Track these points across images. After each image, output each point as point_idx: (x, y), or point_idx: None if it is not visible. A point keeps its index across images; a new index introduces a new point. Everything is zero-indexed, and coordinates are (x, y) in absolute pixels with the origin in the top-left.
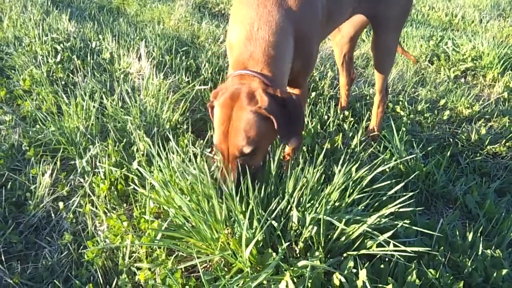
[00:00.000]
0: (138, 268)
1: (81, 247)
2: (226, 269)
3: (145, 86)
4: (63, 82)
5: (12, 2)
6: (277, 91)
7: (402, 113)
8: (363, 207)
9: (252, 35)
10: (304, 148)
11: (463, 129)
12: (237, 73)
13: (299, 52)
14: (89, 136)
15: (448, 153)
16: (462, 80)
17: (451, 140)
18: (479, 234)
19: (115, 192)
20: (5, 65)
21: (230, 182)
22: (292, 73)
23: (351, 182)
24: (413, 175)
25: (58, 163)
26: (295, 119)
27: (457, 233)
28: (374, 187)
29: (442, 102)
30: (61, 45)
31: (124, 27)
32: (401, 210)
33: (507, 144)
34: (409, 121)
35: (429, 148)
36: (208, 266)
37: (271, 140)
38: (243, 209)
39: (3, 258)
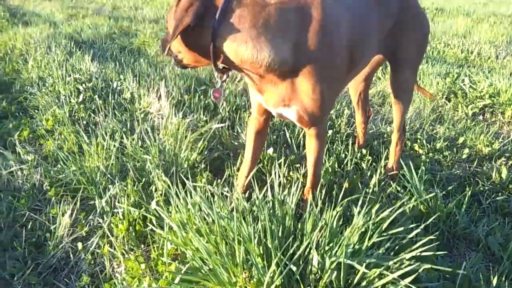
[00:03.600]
0: None
1: None
2: None
3: (164, 125)
4: (84, 122)
5: (37, 44)
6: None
7: (420, 151)
8: (383, 251)
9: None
10: (323, 189)
11: (484, 167)
12: None
13: (300, 77)
14: (109, 175)
15: (469, 192)
16: (481, 117)
17: (471, 179)
18: (504, 278)
19: (133, 233)
20: (29, 105)
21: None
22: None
23: (371, 225)
24: (434, 217)
25: (78, 203)
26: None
27: (481, 276)
28: (395, 231)
29: (461, 140)
30: (84, 85)
31: (145, 67)
32: (423, 253)
33: None
34: (428, 160)
35: (449, 188)
36: None
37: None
38: (261, 252)
39: None
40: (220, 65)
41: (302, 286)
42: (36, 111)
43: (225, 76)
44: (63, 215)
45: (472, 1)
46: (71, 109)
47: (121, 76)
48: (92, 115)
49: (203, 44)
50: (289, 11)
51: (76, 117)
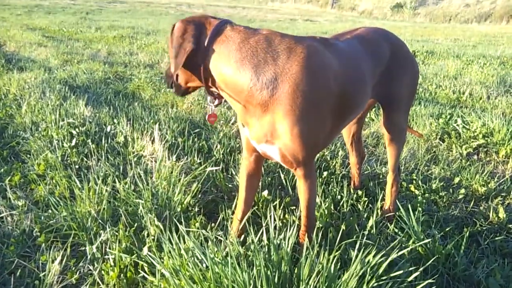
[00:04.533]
0: None
1: None
2: None
3: (157, 168)
4: (77, 166)
5: (31, 89)
6: (190, 25)
7: (416, 192)
8: None
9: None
10: (320, 231)
11: (481, 207)
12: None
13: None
14: (100, 220)
15: (467, 233)
16: (475, 157)
17: (469, 219)
18: None
19: (125, 280)
20: (21, 150)
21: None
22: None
23: (368, 269)
24: (433, 259)
25: (68, 249)
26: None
27: None
28: (393, 274)
29: (457, 180)
30: (77, 129)
31: (139, 111)
32: None
33: None
34: (424, 201)
35: (446, 229)
36: None
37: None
38: None
39: None
40: (213, 89)
41: None
42: (28, 155)
43: (217, 101)
44: (52, 262)
45: (461, 44)
46: (64, 154)
47: (115, 120)
48: (85, 159)
49: (195, 64)
50: (277, 44)
51: (69, 161)
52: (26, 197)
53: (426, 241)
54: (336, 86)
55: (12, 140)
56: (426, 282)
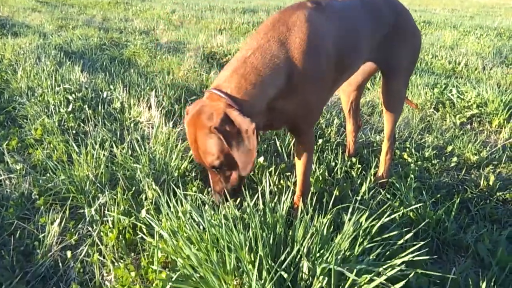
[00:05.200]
0: None
1: None
2: None
3: (154, 134)
4: (74, 131)
5: (26, 54)
6: (235, 114)
7: (409, 160)
8: (374, 257)
9: (242, 58)
10: (314, 196)
11: (472, 175)
12: (209, 90)
13: (293, 95)
14: (98, 184)
15: (458, 200)
16: (468, 126)
17: (460, 187)
18: (492, 283)
19: (123, 241)
20: (18, 115)
21: (216, 193)
22: (283, 115)
23: (361, 231)
24: (423, 223)
25: (67, 211)
26: (244, 147)
27: (470, 282)
28: (385, 236)
29: (449, 148)
30: (73, 95)
31: (135, 78)
32: (412, 259)
33: None
34: (417, 168)
35: (438, 195)
36: None
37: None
38: (252, 259)
39: None
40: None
41: None
42: (25, 120)
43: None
44: (52, 223)
45: (458, 15)
46: (60, 119)
47: (111, 86)
48: (82, 124)
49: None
50: (275, 54)
51: (66, 126)
52: (24, 161)
53: (417, 205)
54: (335, 50)
55: (9, 105)
56: (417, 244)
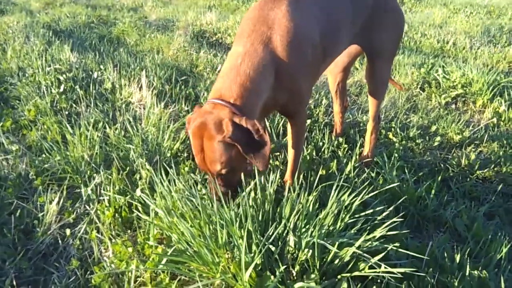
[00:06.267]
0: None
1: (88, 272)
2: None
3: (146, 115)
4: (66, 112)
5: (15, 33)
6: (243, 119)
7: (394, 139)
8: (355, 231)
9: (234, 66)
10: (300, 175)
11: (454, 154)
12: (211, 101)
13: (284, 87)
14: (93, 164)
15: (439, 178)
16: (453, 106)
17: (442, 165)
18: (467, 256)
19: (120, 219)
20: (10, 96)
21: (219, 195)
22: (277, 104)
23: (343, 208)
24: (403, 198)
25: (64, 191)
26: (259, 146)
27: (446, 255)
28: (367, 212)
29: (434, 128)
30: (64, 75)
31: (125, 57)
32: (392, 233)
33: (495, 168)
34: (401, 147)
35: (420, 174)
36: None
37: (245, 158)
38: (242, 234)
39: (14, 283)
40: None
41: (280, 264)
42: (18, 101)
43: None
44: (50, 203)
45: None
46: (53, 100)
47: (101, 66)
48: (74, 105)
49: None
50: (262, 57)
51: (58, 107)
52: (19, 142)
53: (397, 183)
54: (319, 36)
55: (0, 86)
56: (397, 218)
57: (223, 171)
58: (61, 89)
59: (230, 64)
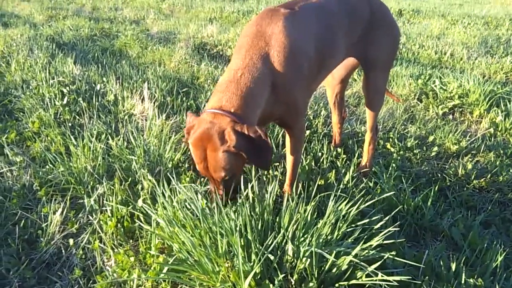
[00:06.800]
0: None
1: (91, 282)
2: None
3: (148, 127)
4: (70, 124)
5: (19, 46)
6: (244, 127)
7: (392, 149)
8: (353, 240)
9: (234, 79)
10: (299, 185)
11: (451, 164)
12: (211, 111)
13: (281, 99)
14: (96, 175)
15: (436, 187)
16: (450, 116)
17: (439, 175)
18: (463, 264)
19: (122, 229)
20: (14, 108)
21: (219, 199)
22: (274, 115)
23: (341, 217)
24: (400, 207)
25: (68, 202)
26: (261, 150)
27: (442, 263)
28: (364, 221)
29: (431, 138)
30: (67, 88)
31: (127, 69)
32: (388, 242)
33: (492, 178)
34: (399, 158)
35: (418, 183)
36: None
37: (244, 163)
38: (242, 243)
39: None
40: None
41: (279, 273)
42: (22, 113)
43: None
44: (54, 213)
45: (448, 2)
46: (56, 112)
47: (104, 79)
48: (77, 117)
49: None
50: (260, 71)
51: (62, 119)
52: (23, 154)
53: (393, 192)
54: (315, 50)
55: (4, 98)
56: (394, 227)
57: (227, 177)
58: (65, 101)
59: (229, 77)
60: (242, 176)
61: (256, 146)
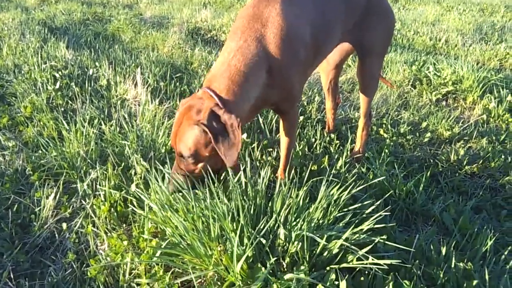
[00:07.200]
0: (138, 284)
1: (84, 265)
2: (219, 283)
3: (141, 112)
4: (62, 109)
5: (11, 30)
6: (222, 111)
7: (385, 135)
8: (344, 224)
9: (226, 61)
10: (292, 170)
11: (443, 150)
12: (204, 89)
13: (276, 85)
14: (89, 160)
15: (428, 173)
16: (444, 103)
17: (431, 160)
18: (453, 249)
19: (115, 213)
20: (6, 93)
21: (174, 177)
22: (269, 101)
23: (332, 202)
24: (391, 192)
25: (61, 186)
26: (230, 140)
27: (432, 247)
28: (356, 206)
29: (424, 124)
30: (60, 72)
31: (120, 54)
32: (379, 226)
33: (484, 164)
34: (391, 143)
35: (410, 169)
36: (202, 280)
37: (211, 156)
38: (234, 227)
39: (12, 275)
40: None
41: (271, 257)
42: (14, 98)
43: None
44: (47, 198)
45: None
46: (49, 96)
47: (97, 63)
48: (70, 102)
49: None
50: (254, 53)
51: (54, 104)
52: (16, 138)
53: (385, 177)
54: (310, 35)
55: None
56: (385, 212)
57: (185, 153)
58: (57, 86)
59: (222, 58)
60: (210, 168)
61: (226, 134)
